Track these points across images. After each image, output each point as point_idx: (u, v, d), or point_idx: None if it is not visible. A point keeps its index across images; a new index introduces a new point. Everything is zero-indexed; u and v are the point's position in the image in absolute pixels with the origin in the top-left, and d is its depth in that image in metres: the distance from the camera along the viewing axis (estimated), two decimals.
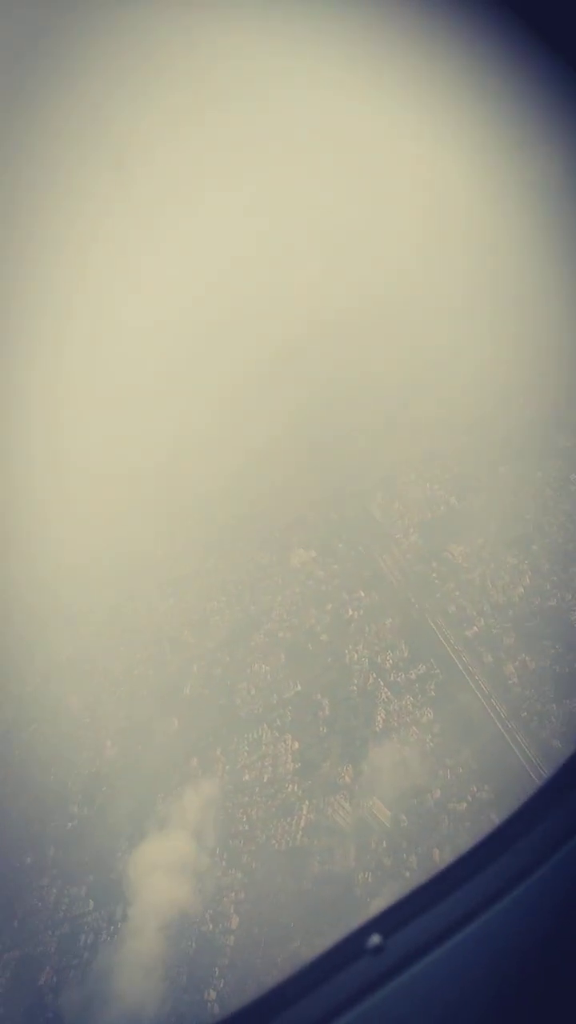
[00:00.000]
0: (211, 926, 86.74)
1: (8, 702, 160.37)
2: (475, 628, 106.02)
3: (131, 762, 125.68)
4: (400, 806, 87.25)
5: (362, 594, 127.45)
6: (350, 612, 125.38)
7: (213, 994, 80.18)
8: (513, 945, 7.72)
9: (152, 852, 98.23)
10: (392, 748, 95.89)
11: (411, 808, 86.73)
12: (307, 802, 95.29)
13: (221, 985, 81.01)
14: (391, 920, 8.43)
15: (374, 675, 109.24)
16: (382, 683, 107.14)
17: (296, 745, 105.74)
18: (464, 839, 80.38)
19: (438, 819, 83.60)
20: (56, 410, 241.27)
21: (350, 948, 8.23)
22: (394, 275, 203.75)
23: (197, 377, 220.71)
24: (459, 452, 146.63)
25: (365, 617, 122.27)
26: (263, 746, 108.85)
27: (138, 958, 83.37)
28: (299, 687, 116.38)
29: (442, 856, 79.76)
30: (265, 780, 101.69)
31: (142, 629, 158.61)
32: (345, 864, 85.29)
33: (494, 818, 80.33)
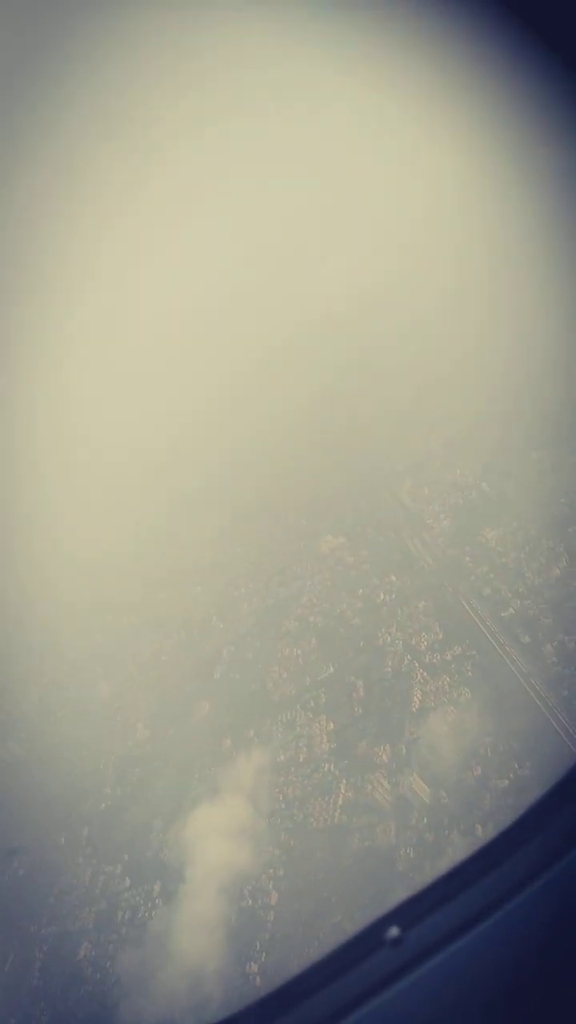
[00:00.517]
0: (250, 901, 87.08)
1: (35, 689, 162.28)
2: (511, 609, 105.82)
3: (163, 744, 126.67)
4: (440, 784, 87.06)
5: (393, 578, 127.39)
6: (381, 596, 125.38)
7: (255, 967, 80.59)
8: (532, 940, 7.51)
9: (196, 823, 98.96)
10: (430, 727, 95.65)
11: (452, 786, 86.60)
12: (344, 781, 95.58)
13: (263, 958, 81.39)
14: (411, 912, 8.26)
15: (409, 657, 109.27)
16: (417, 664, 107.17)
17: (331, 726, 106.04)
18: (506, 815, 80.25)
19: (480, 796, 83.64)
20: (77, 402, 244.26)
21: (369, 940, 8.06)
22: (417, 266, 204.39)
23: (217, 366, 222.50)
24: (490, 439, 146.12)
25: (397, 601, 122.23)
26: (297, 727, 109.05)
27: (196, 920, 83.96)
28: (332, 669, 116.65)
29: (485, 832, 79.58)
30: (301, 760, 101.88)
31: (169, 617, 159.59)
32: (386, 840, 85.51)
33: (536, 794, 79.99)
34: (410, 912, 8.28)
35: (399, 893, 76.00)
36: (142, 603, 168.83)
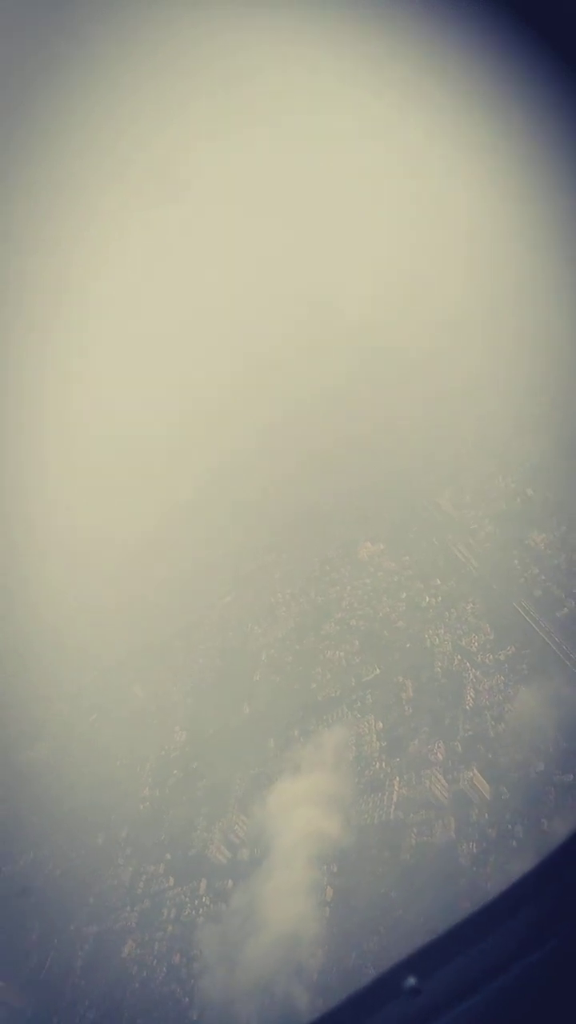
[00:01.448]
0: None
1: (66, 693, 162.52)
2: (565, 609, 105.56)
3: (202, 746, 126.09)
4: (501, 780, 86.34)
5: (438, 582, 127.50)
6: (427, 599, 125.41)
7: (313, 963, 79.44)
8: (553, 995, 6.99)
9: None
10: (485, 724, 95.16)
11: (513, 782, 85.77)
12: (397, 778, 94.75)
13: (318, 952, 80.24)
14: (428, 961, 7.68)
15: (459, 656, 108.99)
16: (468, 664, 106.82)
17: (380, 725, 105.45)
18: (573, 811, 79.47)
19: (544, 791, 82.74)
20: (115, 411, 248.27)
21: (386, 989, 7.60)
22: (444, 269, 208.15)
23: (263, 379, 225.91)
24: (531, 446, 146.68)
25: (444, 603, 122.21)
26: (345, 726, 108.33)
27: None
28: (378, 670, 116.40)
29: (551, 826, 78.72)
30: (350, 759, 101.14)
31: (200, 623, 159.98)
32: (445, 836, 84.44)
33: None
34: (428, 961, 7.66)
35: (462, 885, 75.23)
36: (171, 610, 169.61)
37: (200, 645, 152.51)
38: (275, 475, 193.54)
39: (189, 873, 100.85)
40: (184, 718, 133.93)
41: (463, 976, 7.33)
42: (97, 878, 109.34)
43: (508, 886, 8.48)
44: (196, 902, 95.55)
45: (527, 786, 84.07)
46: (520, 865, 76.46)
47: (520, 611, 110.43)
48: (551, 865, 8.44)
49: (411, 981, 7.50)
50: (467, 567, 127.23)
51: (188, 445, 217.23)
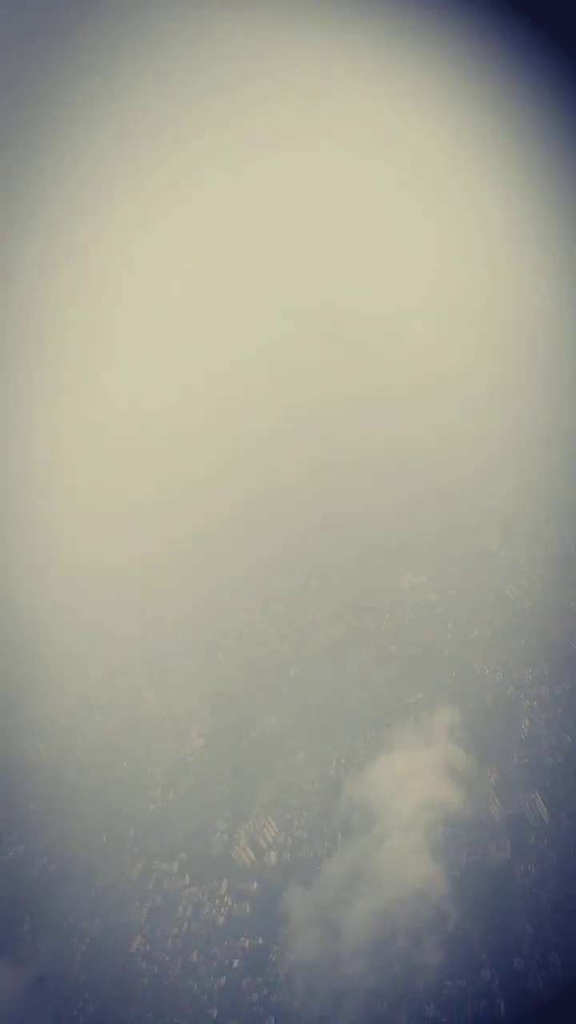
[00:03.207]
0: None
1: (70, 691, 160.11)
2: None
3: (222, 753, 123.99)
4: (562, 806, 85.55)
5: (488, 616, 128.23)
6: (475, 632, 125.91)
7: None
8: None
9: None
10: (543, 753, 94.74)
11: (573, 809, 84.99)
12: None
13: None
14: None
15: (512, 688, 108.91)
16: (523, 695, 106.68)
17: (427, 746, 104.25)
18: None
19: None
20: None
21: None
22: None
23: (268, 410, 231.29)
24: None
25: (494, 637, 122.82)
26: (384, 745, 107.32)
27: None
28: (421, 695, 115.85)
29: None
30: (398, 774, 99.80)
31: (222, 635, 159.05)
32: (499, 856, 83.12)
33: None
34: None
35: (520, 905, 73.86)
36: (191, 620, 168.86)
37: (221, 657, 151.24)
38: (306, 492, 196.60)
39: (208, 873, 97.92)
40: (203, 725, 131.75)
41: None
42: (100, 874, 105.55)
43: None
44: (216, 901, 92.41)
45: None
46: None
47: None
48: None
49: None
50: (519, 605, 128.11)
51: (225, 463, 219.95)
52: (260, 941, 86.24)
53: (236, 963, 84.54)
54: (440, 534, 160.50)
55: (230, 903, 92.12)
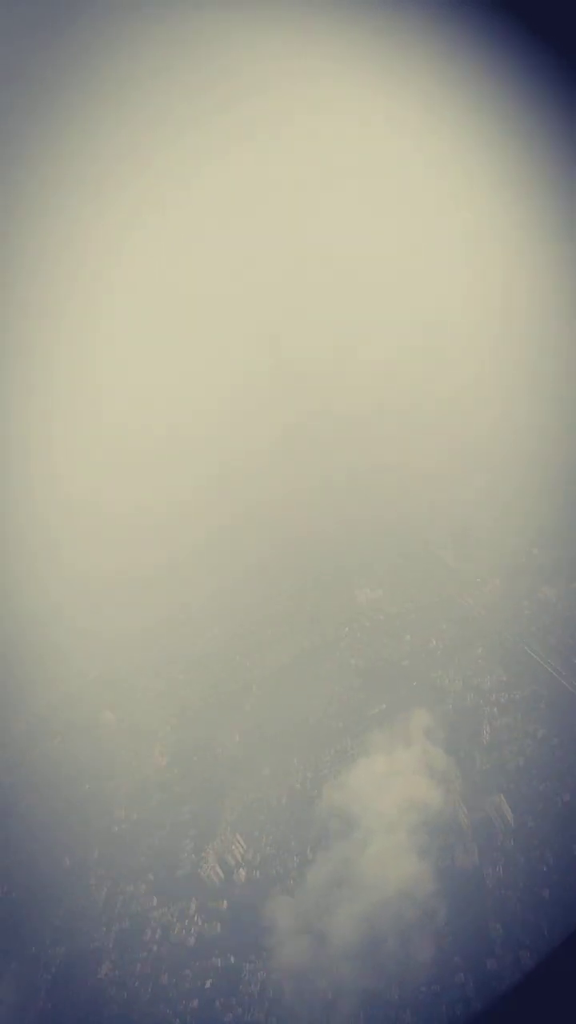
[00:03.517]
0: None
1: (27, 714, 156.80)
2: None
3: (187, 771, 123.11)
4: (527, 809, 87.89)
5: (445, 626, 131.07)
6: (433, 642, 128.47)
7: None
8: None
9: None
10: (504, 758, 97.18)
11: (539, 811, 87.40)
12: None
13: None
14: None
15: (471, 695, 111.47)
16: (482, 702, 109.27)
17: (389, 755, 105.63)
18: None
19: (572, 820, 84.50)
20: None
21: None
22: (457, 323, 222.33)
23: (252, 424, 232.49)
24: (536, 510, 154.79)
25: (451, 647, 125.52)
26: (349, 757, 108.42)
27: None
28: (384, 705, 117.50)
29: None
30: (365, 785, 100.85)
31: (183, 652, 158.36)
32: (469, 861, 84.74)
33: None
34: None
35: (490, 906, 75.57)
36: (153, 638, 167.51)
37: (181, 676, 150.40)
38: (265, 515, 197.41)
39: (176, 893, 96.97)
40: (166, 744, 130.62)
41: None
42: (63, 899, 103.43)
43: None
44: (186, 922, 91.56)
45: (552, 816, 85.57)
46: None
47: (534, 656, 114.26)
48: None
49: None
50: (474, 614, 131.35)
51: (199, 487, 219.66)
52: (232, 960, 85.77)
53: (209, 983, 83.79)
54: (397, 550, 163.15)
55: (200, 923, 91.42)
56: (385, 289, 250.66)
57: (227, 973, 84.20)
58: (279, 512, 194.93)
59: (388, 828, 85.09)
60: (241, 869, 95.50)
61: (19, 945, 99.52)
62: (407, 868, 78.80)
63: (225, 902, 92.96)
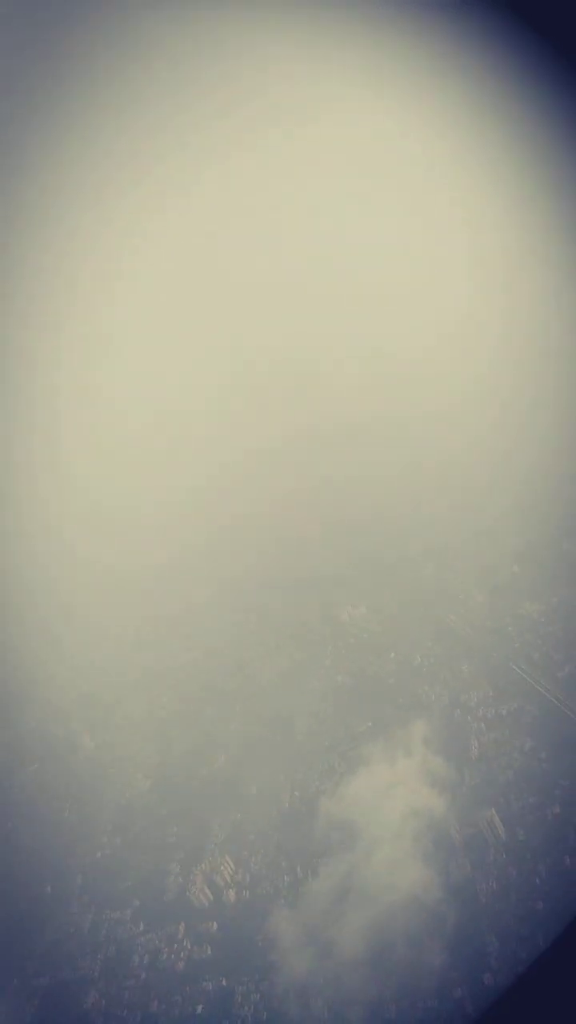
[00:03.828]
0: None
1: (2, 743, 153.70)
2: (567, 670, 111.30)
3: (170, 793, 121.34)
4: (517, 823, 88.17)
5: (430, 644, 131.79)
6: (418, 659, 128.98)
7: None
8: None
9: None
10: (493, 772, 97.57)
11: (529, 824, 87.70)
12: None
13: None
14: None
15: (458, 711, 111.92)
16: (469, 718, 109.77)
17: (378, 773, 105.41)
18: None
19: (563, 832, 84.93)
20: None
21: None
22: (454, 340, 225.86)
23: (231, 439, 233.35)
24: (516, 528, 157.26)
25: (437, 664, 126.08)
26: (337, 775, 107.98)
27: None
28: (370, 723, 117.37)
29: (573, 863, 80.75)
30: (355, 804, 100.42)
31: (160, 676, 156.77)
32: (462, 875, 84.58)
33: None
34: None
35: (484, 921, 75.50)
36: (130, 662, 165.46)
37: (162, 697, 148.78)
38: (242, 528, 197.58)
39: (164, 918, 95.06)
40: (147, 767, 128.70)
41: None
42: (46, 928, 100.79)
43: None
44: (175, 946, 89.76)
45: (543, 828, 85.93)
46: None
47: (520, 671, 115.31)
48: None
49: None
50: (458, 632, 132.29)
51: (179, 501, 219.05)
52: (224, 983, 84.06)
53: (200, 1008, 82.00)
54: (374, 566, 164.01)
55: (189, 946, 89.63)
56: (385, 293, 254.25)
57: (219, 996, 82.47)
58: (250, 529, 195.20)
59: (393, 836, 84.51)
60: (231, 890, 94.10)
61: (2, 978, 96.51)
62: (413, 874, 78.16)
63: (215, 924, 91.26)
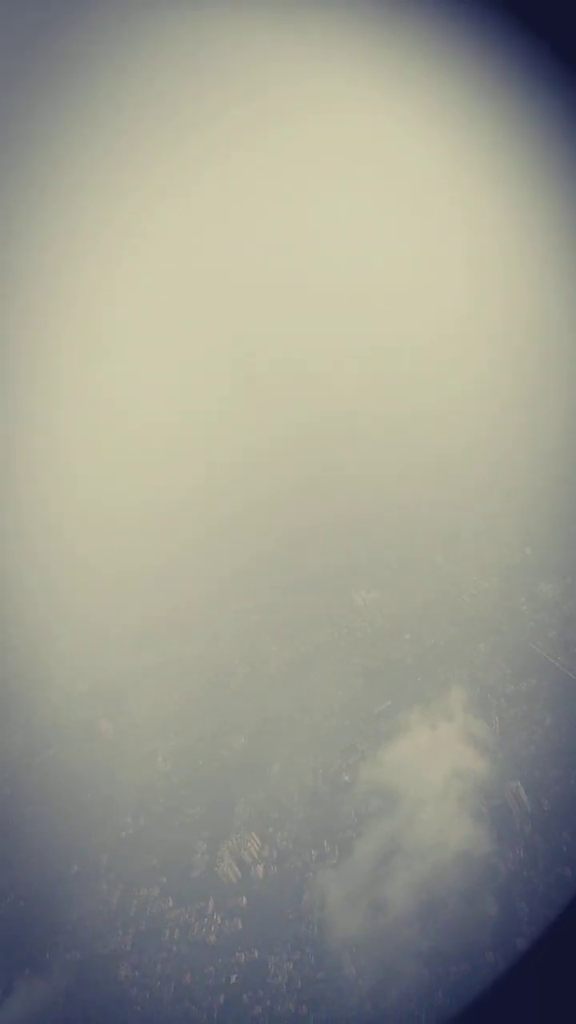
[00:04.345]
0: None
1: (23, 725, 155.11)
2: None
3: (192, 775, 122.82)
4: (542, 792, 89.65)
5: (445, 625, 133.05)
6: (434, 640, 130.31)
7: None
8: None
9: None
10: (516, 746, 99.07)
11: (554, 795, 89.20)
12: None
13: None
14: None
15: (478, 688, 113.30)
16: (489, 695, 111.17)
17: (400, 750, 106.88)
18: None
19: None
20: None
21: None
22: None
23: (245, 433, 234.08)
24: (528, 513, 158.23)
25: (452, 643, 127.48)
26: (359, 753, 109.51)
27: None
28: (390, 702, 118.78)
29: None
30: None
31: (179, 659, 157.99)
32: (489, 846, 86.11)
33: None
34: None
35: (515, 887, 77.03)
36: (148, 644, 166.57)
37: (179, 682, 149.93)
38: (253, 517, 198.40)
39: (193, 893, 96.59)
40: (167, 749, 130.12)
41: None
42: (74, 904, 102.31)
43: None
44: (205, 920, 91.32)
45: (569, 798, 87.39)
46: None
47: (536, 649, 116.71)
48: None
49: None
50: (473, 613, 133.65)
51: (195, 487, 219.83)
52: (256, 955, 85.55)
53: (234, 979, 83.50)
54: (384, 555, 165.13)
55: (219, 920, 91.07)
56: (386, 294, 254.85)
57: (252, 967, 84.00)
58: (261, 519, 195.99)
59: (438, 797, 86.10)
60: (259, 865, 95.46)
61: (35, 953, 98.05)
62: (461, 831, 79.78)
63: (244, 899, 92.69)
